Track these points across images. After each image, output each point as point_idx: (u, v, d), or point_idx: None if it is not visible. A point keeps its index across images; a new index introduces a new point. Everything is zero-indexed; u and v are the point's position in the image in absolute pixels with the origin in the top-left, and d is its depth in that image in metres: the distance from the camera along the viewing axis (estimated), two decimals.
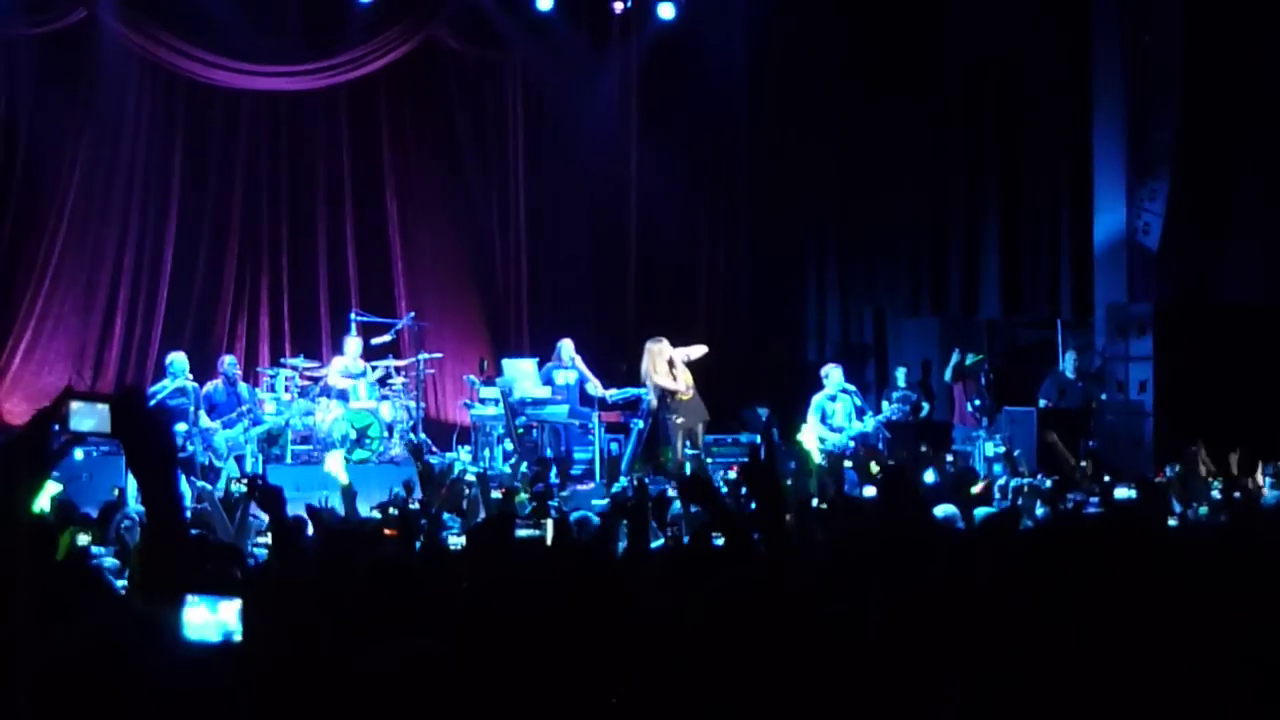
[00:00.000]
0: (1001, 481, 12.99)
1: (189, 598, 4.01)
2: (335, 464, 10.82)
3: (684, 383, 18.67)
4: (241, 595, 4.09)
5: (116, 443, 4.13)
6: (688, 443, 18.44)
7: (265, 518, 7.56)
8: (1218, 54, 19.14)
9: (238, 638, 4.05)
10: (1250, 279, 19.53)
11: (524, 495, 12.32)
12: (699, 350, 19.06)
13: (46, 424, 4.00)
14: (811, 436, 15.92)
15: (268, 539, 8.67)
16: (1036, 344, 22.00)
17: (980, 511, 9.74)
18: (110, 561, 8.31)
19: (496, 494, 10.78)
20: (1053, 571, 4.79)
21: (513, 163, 22.72)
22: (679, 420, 18.26)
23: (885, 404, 19.87)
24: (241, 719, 3.39)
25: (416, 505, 10.44)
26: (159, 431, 4.24)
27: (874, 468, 13.03)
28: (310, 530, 7.96)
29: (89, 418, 4.11)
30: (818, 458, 13.02)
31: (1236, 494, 11.16)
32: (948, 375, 20.73)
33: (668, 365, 18.59)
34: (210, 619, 4.04)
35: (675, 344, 19.56)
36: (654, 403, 18.67)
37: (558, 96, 22.81)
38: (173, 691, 3.06)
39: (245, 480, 8.51)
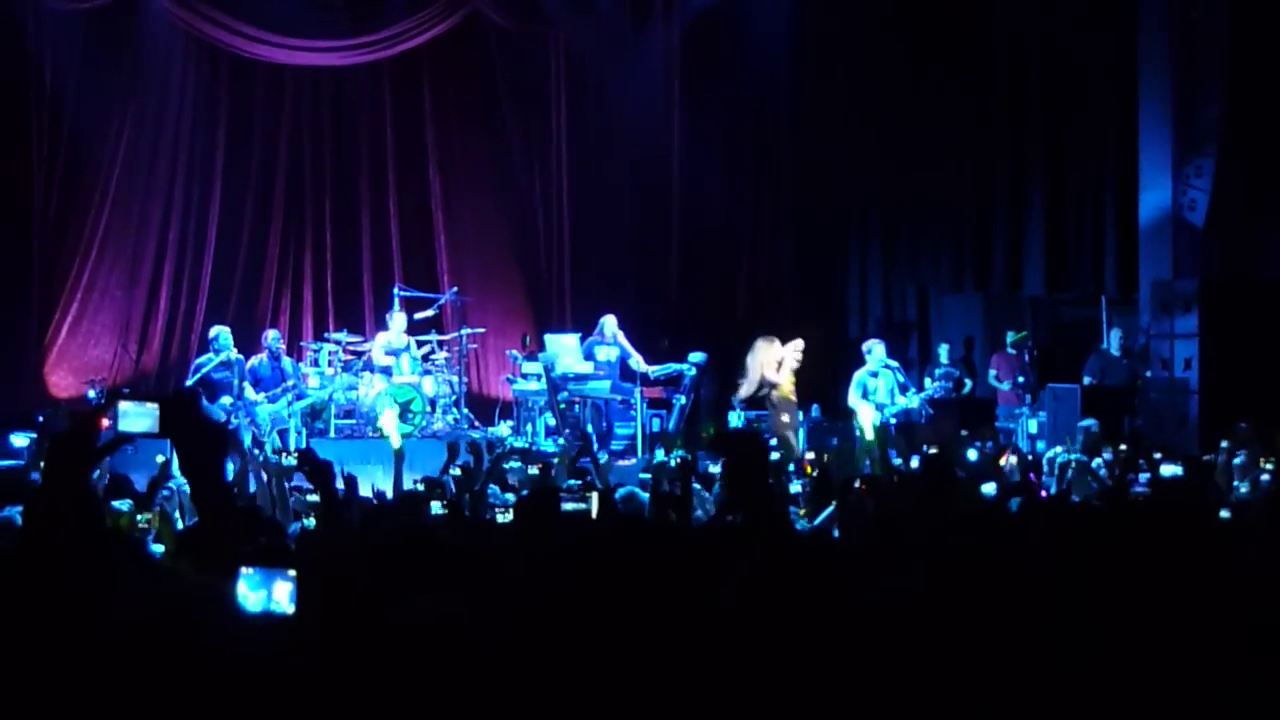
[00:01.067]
0: (1051, 455, 12.88)
1: (243, 570, 4.03)
2: (390, 423, 10.84)
3: (790, 383, 18.54)
4: (294, 567, 4.10)
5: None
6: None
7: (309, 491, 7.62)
8: (1265, 29, 18.96)
9: (291, 609, 4.07)
10: None
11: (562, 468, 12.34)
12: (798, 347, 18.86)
13: (95, 423, 4.04)
14: (867, 413, 15.90)
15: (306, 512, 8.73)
16: (1081, 321, 21.90)
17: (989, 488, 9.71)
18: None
19: (534, 469, 10.78)
20: (1101, 550, 4.78)
21: (555, 138, 22.71)
22: (784, 419, 18.08)
23: (928, 380, 19.83)
24: (295, 687, 3.41)
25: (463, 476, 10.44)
26: (207, 432, 4.27)
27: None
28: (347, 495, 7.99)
29: (138, 418, 4.16)
30: (870, 434, 12.97)
31: None
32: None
33: (776, 363, 18.50)
34: (264, 592, 4.06)
35: (714, 321, 19.57)
36: (743, 397, 18.55)
37: (601, 72, 22.77)
38: (228, 660, 3.08)
39: (295, 454, 8.53)
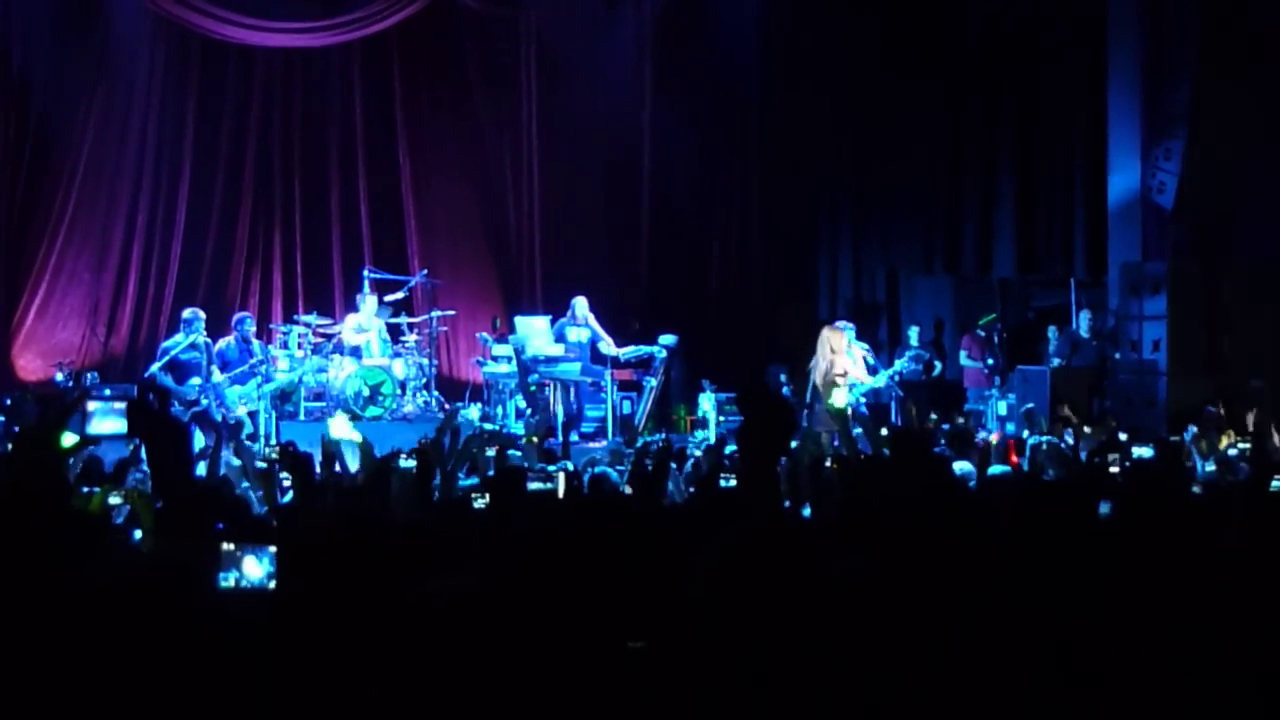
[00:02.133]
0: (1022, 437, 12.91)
1: (223, 547, 4.06)
2: (342, 426, 10.79)
3: (859, 370, 18.53)
4: (275, 544, 4.12)
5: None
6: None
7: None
8: (1234, 12, 19.04)
9: (271, 584, 4.09)
10: (1265, 239, 19.46)
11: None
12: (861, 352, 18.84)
13: (63, 423, 4.06)
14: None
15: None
16: (1050, 303, 21.97)
17: (995, 469, 9.73)
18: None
19: (491, 450, 10.76)
20: (1078, 528, 4.80)
21: (526, 121, 22.69)
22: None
23: (897, 361, 19.85)
24: (275, 662, 3.42)
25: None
26: (172, 430, 4.28)
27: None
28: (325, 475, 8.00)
29: (106, 418, 4.22)
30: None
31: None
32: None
33: (847, 352, 18.51)
34: (243, 568, 4.08)
35: (684, 304, 19.62)
36: (818, 384, 18.49)
37: (571, 54, 22.75)
38: (206, 635, 3.09)
39: (277, 447, 8.53)
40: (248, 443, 11.87)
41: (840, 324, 18.25)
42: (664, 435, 16.15)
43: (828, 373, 17.59)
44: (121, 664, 3.04)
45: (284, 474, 8.18)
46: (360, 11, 21.54)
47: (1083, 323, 19.89)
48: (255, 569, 4.13)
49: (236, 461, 9.78)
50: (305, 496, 6.79)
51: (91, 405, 17.07)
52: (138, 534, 7.21)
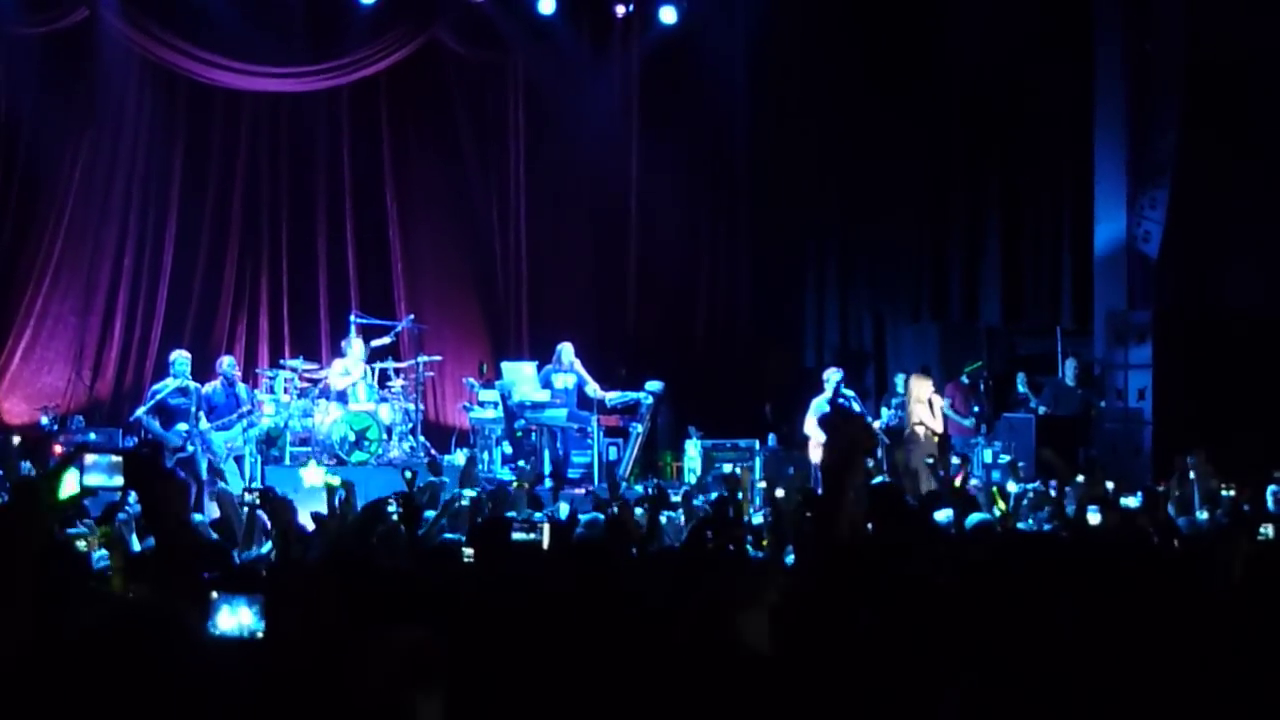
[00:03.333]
0: (1009, 488, 12.93)
1: (214, 595, 4.08)
2: (317, 476, 10.78)
3: (938, 424, 18.62)
4: (264, 593, 4.14)
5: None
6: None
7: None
8: (1220, 63, 19.14)
9: (260, 634, 4.10)
10: (1250, 288, 19.54)
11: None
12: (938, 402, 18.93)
13: (59, 478, 4.08)
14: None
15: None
16: (1036, 352, 21.99)
17: (973, 518, 9.73)
18: (99, 554, 8.31)
19: (466, 500, 10.78)
20: (1059, 579, 4.82)
21: (513, 165, 22.73)
22: (924, 457, 18.03)
23: (884, 410, 19.84)
24: (264, 708, 3.42)
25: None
26: (171, 483, 4.30)
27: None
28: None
29: (101, 473, 4.20)
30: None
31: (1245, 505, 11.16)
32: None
33: (929, 403, 18.58)
34: (234, 617, 4.10)
35: (671, 350, 19.69)
36: (908, 430, 18.57)
37: (559, 99, 22.79)
38: (196, 680, 3.08)
39: (257, 491, 8.52)
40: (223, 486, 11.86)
41: (829, 370, 18.34)
42: (655, 483, 16.16)
43: (904, 420, 17.79)
44: (110, 707, 3.04)
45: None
46: (348, 57, 21.59)
47: (1068, 371, 19.91)
48: (245, 617, 4.14)
49: (215, 512, 9.79)
50: (284, 541, 6.79)
51: (89, 458, 17.08)
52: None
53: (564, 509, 12.41)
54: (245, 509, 9.20)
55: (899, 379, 20.99)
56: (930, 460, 16.91)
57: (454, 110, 22.63)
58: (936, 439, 18.57)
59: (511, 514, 10.33)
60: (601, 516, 9.37)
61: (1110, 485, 11.96)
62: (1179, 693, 4.02)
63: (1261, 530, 8.05)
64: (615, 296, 22.84)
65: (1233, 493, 11.25)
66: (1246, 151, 19.18)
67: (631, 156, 22.81)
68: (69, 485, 4.08)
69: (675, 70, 22.79)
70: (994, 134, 21.74)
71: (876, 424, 18.75)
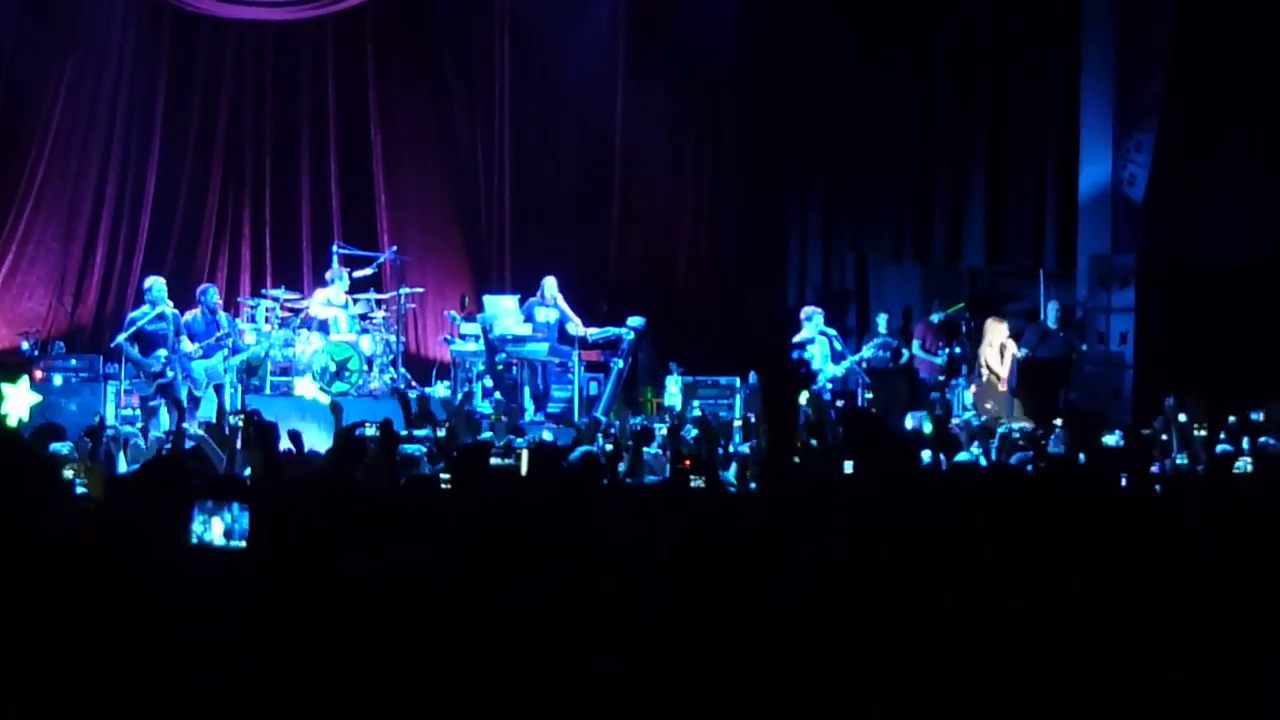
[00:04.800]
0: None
1: (196, 503, 4.07)
2: (310, 388, 10.78)
3: (1004, 371, 18.59)
4: (248, 504, 4.14)
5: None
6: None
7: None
8: (1207, 5, 19.10)
9: (241, 544, 4.11)
10: (1233, 233, 19.54)
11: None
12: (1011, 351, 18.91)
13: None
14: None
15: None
16: (1019, 293, 22.00)
17: (960, 457, 9.78)
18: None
19: (441, 431, 10.78)
20: (1037, 516, 4.83)
21: (498, 99, 22.61)
22: (989, 405, 18.02)
23: (865, 348, 19.82)
24: (244, 619, 3.43)
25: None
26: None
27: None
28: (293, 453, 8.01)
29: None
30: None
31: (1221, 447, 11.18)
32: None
33: (999, 348, 18.57)
34: (216, 526, 4.10)
35: (653, 286, 19.70)
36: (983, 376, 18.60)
37: (545, 34, 22.67)
38: (178, 588, 3.09)
39: (242, 415, 8.50)
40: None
41: (808, 309, 18.35)
42: (641, 419, 16.14)
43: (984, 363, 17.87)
44: (84, 609, 3.04)
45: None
46: None
47: (1050, 313, 19.90)
48: (227, 527, 4.15)
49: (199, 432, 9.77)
50: (269, 465, 6.80)
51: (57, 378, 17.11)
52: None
53: (546, 436, 12.42)
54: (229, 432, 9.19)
55: (881, 318, 21.01)
56: (990, 406, 16.97)
57: (439, 43, 22.51)
58: (1002, 386, 18.54)
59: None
60: (591, 449, 9.37)
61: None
62: (1148, 631, 4.02)
63: (1239, 464, 8.09)
64: (598, 232, 22.79)
65: (1204, 433, 11.25)
66: (1233, 95, 19.17)
67: (617, 92, 22.71)
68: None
69: (662, 6, 22.69)
70: (980, 76, 21.67)
71: (860, 359, 18.73)
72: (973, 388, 18.88)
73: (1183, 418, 11.76)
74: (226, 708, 3.21)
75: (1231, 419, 11.68)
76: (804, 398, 14.60)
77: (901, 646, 3.74)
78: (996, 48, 21.40)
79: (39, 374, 17.23)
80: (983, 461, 10.10)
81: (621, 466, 8.97)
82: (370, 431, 8.02)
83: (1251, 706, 3.68)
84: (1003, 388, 18.53)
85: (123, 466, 8.55)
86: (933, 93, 21.95)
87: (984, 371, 18.58)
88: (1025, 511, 5.05)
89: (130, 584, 3.06)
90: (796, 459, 7.68)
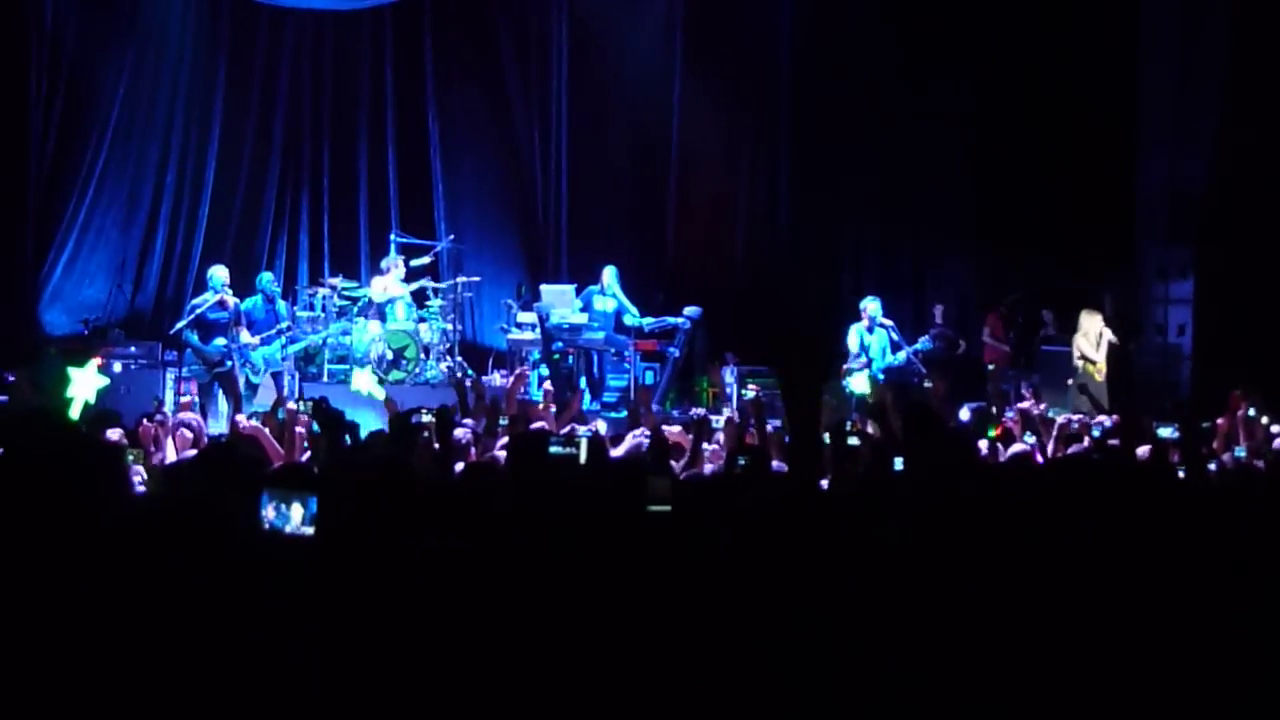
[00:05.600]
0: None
1: (266, 491, 4.11)
2: (367, 381, 10.82)
3: (1101, 358, 18.50)
4: (317, 493, 4.17)
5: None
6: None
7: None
8: None
9: (310, 531, 4.14)
10: None
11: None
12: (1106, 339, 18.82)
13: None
14: (860, 377, 15.99)
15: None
16: (1077, 284, 21.86)
17: (1014, 449, 9.74)
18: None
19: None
20: (1092, 507, 4.81)
21: (555, 87, 22.65)
22: (1083, 399, 17.95)
23: (921, 340, 19.76)
24: (312, 607, 3.46)
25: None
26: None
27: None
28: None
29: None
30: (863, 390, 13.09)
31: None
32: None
33: (1096, 337, 18.51)
34: (285, 512, 4.14)
35: (709, 276, 19.75)
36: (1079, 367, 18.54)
37: (603, 25, 22.68)
38: (251, 574, 3.12)
39: (309, 402, 8.53)
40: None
41: (867, 299, 18.30)
42: (700, 411, 16.12)
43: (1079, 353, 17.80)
44: (154, 601, 3.08)
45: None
46: None
47: (1106, 305, 19.78)
48: (296, 516, 4.18)
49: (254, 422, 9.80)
50: (334, 452, 6.84)
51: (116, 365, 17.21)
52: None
53: (602, 427, 12.42)
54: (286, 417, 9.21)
55: (937, 309, 20.94)
56: (1084, 398, 16.84)
57: (497, 31, 22.58)
58: (1099, 376, 18.39)
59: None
60: (648, 438, 9.37)
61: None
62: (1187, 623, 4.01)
63: None
64: (654, 222, 22.79)
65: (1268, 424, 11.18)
66: None
67: (675, 80, 22.70)
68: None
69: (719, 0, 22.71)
70: (1040, 60, 21.53)
71: (908, 350, 18.64)
72: (1069, 381, 18.72)
73: (1252, 412, 11.66)
74: (298, 694, 3.25)
75: None
76: (864, 383, 14.62)
77: (942, 636, 3.75)
78: (1056, 33, 21.27)
79: (98, 361, 17.35)
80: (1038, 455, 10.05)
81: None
82: (426, 418, 8.05)
83: None
84: (1100, 378, 18.36)
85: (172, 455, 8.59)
86: (991, 81, 21.83)
87: (1080, 363, 18.43)
88: (1080, 502, 5.02)
89: (203, 572, 3.10)
90: (832, 444, 7.65)
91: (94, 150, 20.98)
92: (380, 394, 10.24)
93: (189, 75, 21.55)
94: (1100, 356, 18.29)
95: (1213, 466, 8.94)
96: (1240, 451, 10.48)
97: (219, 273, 17.41)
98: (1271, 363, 16.45)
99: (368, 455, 7.07)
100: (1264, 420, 11.26)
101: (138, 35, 21.21)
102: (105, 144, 21.02)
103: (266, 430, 9.08)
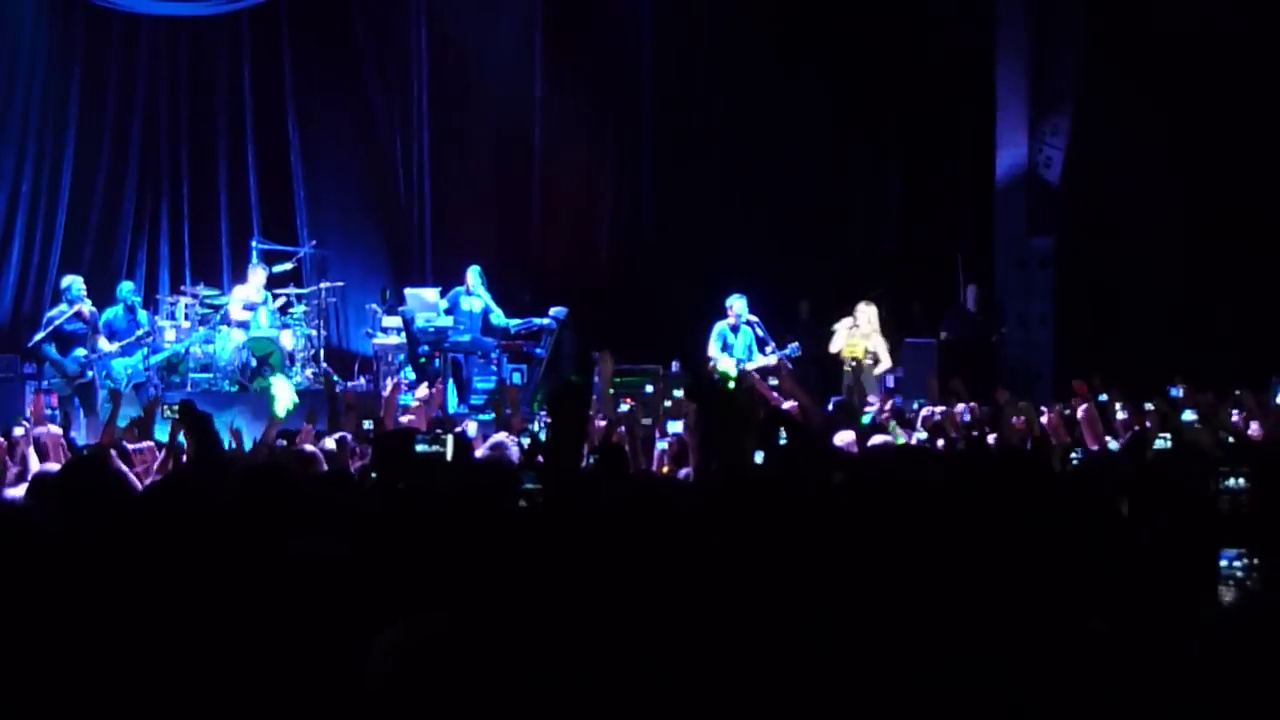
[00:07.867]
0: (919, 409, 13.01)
1: None
2: (287, 390, 10.68)
3: (843, 346, 18.52)
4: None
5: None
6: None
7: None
8: None
9: None
10: (1151, 213, 19.69)
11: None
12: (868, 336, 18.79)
13: None
14: (728, 365, 16.05)
15: None
16: (937, 277, 22.07)
17: (876, 440, 9.80)
18: None
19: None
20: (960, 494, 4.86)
21: (416, 91, 22.56)
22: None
23: (791, 345, 19.81)
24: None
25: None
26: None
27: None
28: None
29: None
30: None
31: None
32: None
33: (846, 326, 18.54)
34: None
35: (575, 276, 19.82)
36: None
37: (462, 24, 22.62)
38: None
39: (176, 406, 8.44)
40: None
41: (732, 297, 18.38)
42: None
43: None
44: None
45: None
46: None
47: (969, 297, 20.01)
48: None
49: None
50: (203, 456, 6.78)
51: None
52: None
53: (472, 428, 12.42)
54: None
55: (803, 307, 21.03)
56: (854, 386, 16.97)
57: (356, 32, 22.43)
58: (878, 370, 18.55)
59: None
60: (502, 440, 9.34)
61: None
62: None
63: (1159, 440, 8.18)
64: (519, 223, 22.77)
65: (1125, 415, 11.32)
66: (1148, 76, 19.31)
67: (535, 80, 22.70)
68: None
69: (578, 1, 22.73)
70: (895, 60, 21.72)
71: (779, 353, 18.70)
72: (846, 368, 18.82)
73: (1103, 397, 11.83)
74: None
75: (1148, 405, 11.75)
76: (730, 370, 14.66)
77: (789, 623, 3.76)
78: (911, 32, 21.46)
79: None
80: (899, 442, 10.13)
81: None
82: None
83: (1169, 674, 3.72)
84: (878, 371, 18.56)
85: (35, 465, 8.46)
86: (847, 76, 21.96)
87: (861, 358, 18.58)
88: (946, 490, 5.07)
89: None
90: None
91: None
92: (282, 408, 10.11)
93: (42, 84, 21.24)
94: (878, 346, 18.49)
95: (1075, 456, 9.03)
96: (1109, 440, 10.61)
97: (75, 282, 17.18)
98: (1132, 350, 16.74)
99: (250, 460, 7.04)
100: (1117, 406, 11.39)
101: None
102: None
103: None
